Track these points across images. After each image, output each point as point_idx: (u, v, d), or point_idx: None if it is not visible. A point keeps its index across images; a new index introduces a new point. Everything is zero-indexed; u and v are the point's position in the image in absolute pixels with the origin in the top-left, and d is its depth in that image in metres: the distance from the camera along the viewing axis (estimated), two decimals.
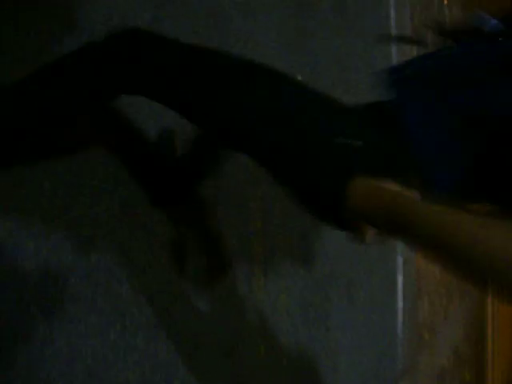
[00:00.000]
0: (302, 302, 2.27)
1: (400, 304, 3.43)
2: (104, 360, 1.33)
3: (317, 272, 2.41)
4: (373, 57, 3.09)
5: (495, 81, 0.92)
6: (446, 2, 4.94)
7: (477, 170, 0.92)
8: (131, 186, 1.43)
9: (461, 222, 0.71)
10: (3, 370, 1.14)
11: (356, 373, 2.83)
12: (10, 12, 1.19)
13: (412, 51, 4.05)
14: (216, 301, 1.76)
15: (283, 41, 2.21)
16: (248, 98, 0.99)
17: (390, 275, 3.27)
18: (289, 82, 1.05)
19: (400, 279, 3.38)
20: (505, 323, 10.52)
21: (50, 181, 1.26)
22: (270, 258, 2.03)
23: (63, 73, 1.07)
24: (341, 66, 2.71)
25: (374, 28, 3.12)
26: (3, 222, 1.16)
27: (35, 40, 1.24)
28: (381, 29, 3.26)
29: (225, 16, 1.86)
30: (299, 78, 2.21)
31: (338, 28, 2.65)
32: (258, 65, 1.03)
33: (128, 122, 1.47)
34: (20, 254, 1.18)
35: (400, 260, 3.34)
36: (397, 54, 3.53)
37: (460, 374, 6.03)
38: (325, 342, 2.46)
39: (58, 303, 1.23)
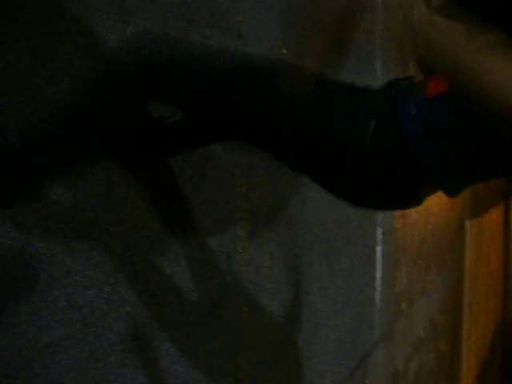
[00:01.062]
0: (284, 265, 2.39)
1: (378, 274, 3.57)
2: (99, 310, 1.44)
3: (298, 238, 2.53)
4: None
5: None
6: None
7: None
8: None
9: None
10: (6, 317, 1.24)
11: (333, 336, 2.97)
12: None
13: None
14: (201, 261, 1.86)
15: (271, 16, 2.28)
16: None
17: (369, 245, 3.40)
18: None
19: (379, 250, 3.52)
20: (481, 298, 10.81)
21: None
22: (254, 223, 2.14)
23: None
24: None
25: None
26: None
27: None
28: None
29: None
30: (284, 51, 2.29)
31: None
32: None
33: None
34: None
35: (379, 231, 3.47)
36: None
37: (435, 344, 6.23)
38: (305, 306, 2.59)
39: (58, 255, 1.33)
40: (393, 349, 4.19)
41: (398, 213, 3.93)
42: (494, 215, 13.43)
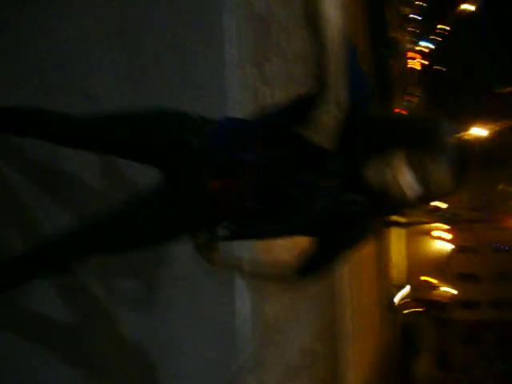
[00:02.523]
0: (147, 297, 2.66)
1: (240, 303, 3.88)
2: None
3: (162, 272, 2.83)
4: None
5: None
6: None
7: None
8: None
9: None
10: None
11: (201, 365, 3.24)
12: None
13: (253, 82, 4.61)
14: (69, 289, 2.11)
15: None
16: None
17: (230, 278, 3.73)
18: None
19: (238, 280, 3.85)
20: (358, 325, 11.48)
21: None
22: (121, 259, 2.45)
23: None
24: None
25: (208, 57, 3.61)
26: None
27: None
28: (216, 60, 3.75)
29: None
30: None
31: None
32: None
33: None
34: None
35: None
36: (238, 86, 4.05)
37: (311, 370, 6.60)
38: (167, 334, 2.85)
39: None
40: (262, 377, 4.49)
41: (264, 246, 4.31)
42: (368, 248, 14.41)
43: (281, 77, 5.61)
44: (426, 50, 41.48)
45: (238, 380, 3.78)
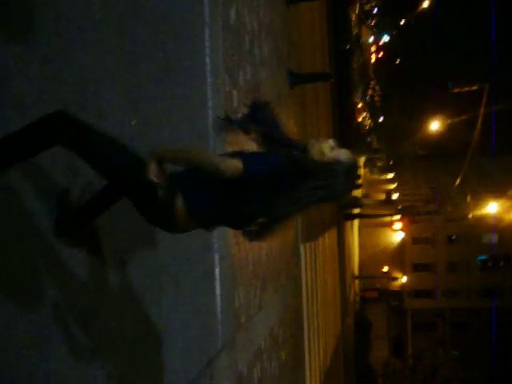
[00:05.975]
0: (138, 286, 3.08)
1: (218, 291, 4.33)
2: None
3: (150, 263, 3.24)
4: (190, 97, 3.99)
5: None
6: None
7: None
8: None
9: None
10: None
11: (182, 343, 3.66)
12: None
13: (225, 88, 5.01)
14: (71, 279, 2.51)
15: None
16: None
17: (208, 268, 4.17)
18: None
19: (217, 272, 4.30)
20: (319, 312, 12.05)
21: None
22: (119, 253, 2.85)
23: None
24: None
25: (190, 69, 4.02)
26: None
27: None
28: (197, 69, 4.16)
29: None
30: (133, 122, 3.01)
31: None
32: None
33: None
34: None
35: (216, 256, 4.26)
36: (211, 91, 4.46)
37: (276, 353, 7.09)
38: (158, 319, 3.27)
39: None
40: (235, 356, 4.95)
41: (233, 240, 4.77)
42: (327, 239, 15.03)
43: (251, 81, 6.04)
44: (385, 45, 42.45)
45: (213, 358, 4.22)
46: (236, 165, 2.08)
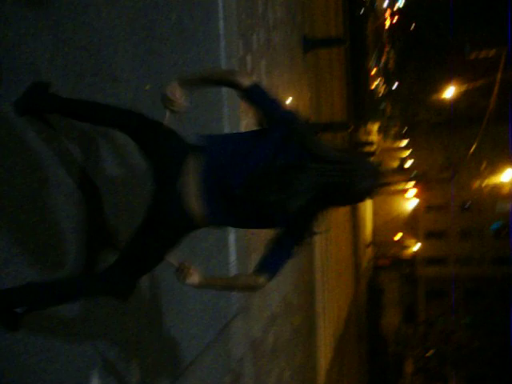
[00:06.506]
0: None
1: (232, 257, 4.36)
2: None
3: None
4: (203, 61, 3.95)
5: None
6: None
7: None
8: None
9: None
10: None
11: (199, 307, 3.70)
12: None
13: (239, 52, 4.97)
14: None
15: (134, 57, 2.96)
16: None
17: (223, 235, 4.19)
18: None
19: (232, 238, 4.32)
20: (333, 278, 12.12)
21: None
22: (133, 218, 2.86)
23: None
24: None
25: (204, 33, 3.97)
26: None
27: None
28: (210, 33, 4.11)
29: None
30: (147, 87, 2.99)
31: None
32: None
33: None
34: None
35: None
36: (224, 56, 4.42)
37: (289, 319, 7.18)
38: (174, 284, 3.30)
39: None
40: (250, 321, 5.01)
41: None
42: (344, 210, 14.97)
43: (264, 45, 5.97)
44: (400, 9, 41.62)
45: (228, 322, 4.27)
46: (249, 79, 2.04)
